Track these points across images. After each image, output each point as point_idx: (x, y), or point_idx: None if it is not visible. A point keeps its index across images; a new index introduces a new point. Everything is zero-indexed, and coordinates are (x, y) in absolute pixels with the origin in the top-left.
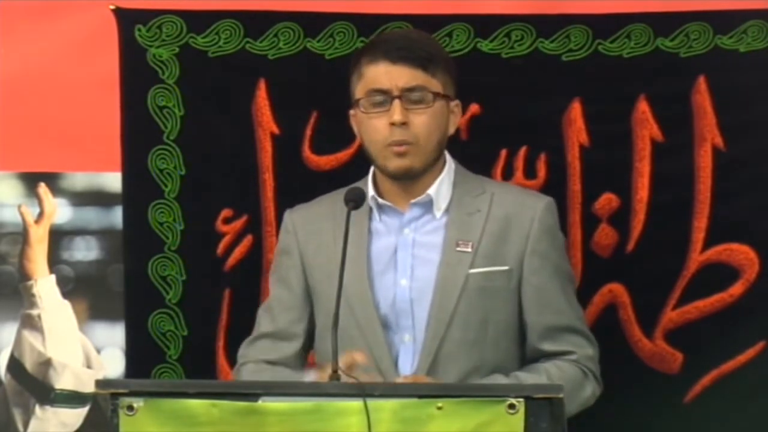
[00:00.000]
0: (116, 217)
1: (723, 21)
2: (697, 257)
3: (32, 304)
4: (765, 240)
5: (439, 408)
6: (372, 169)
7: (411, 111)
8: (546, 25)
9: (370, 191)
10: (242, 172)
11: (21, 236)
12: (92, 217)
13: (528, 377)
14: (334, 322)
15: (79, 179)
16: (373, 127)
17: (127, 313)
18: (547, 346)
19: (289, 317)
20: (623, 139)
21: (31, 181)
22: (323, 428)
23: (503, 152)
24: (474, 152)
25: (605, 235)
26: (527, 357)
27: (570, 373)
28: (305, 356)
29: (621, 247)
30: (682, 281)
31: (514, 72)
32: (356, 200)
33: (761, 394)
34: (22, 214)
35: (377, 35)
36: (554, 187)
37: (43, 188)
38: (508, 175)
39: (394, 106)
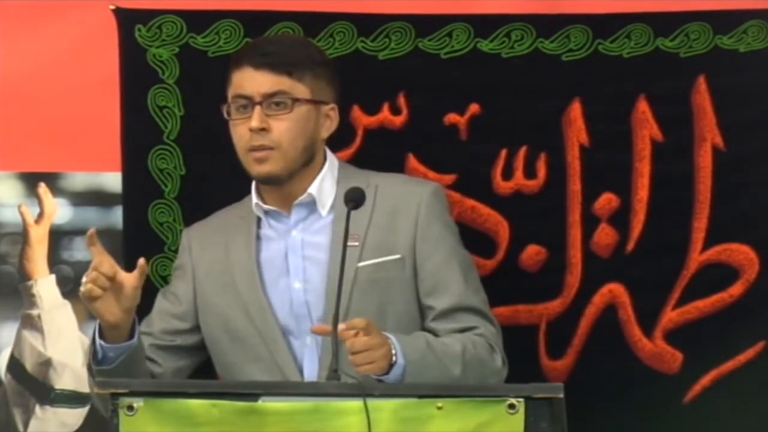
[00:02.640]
0: (116, 217)
1: (723, 21)
2: (697, 257)
3: (32, 304)
4: (765, 240)
5: (439, 408)
6: None
7: (272, 117)
8: (546, 25)
9: (254, 199)
10: (242, 172)
11: (21, 236)
12: (92, 217)
13: (446, 342)
14: (333, 323)
15: (79, 179)
16: (237, 133)
17: None
18: (448, 326)
19: (164, 326)
20: (623, 139)
21: (31, 181)
22: (323, 428)
23: (503, 152)
24: (474, 152)
25: (605, 235)
26: None
27: (480, 343)
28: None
29: (621, 247)
30: (682, 281)
31: (514, 72)
32: (356, 200)
33: (761, 394)
34: (22, 214)
35: (251, 41)
36: (554, 187)
37: (43, 188)
38: (508, 175)
39: (255, 112)
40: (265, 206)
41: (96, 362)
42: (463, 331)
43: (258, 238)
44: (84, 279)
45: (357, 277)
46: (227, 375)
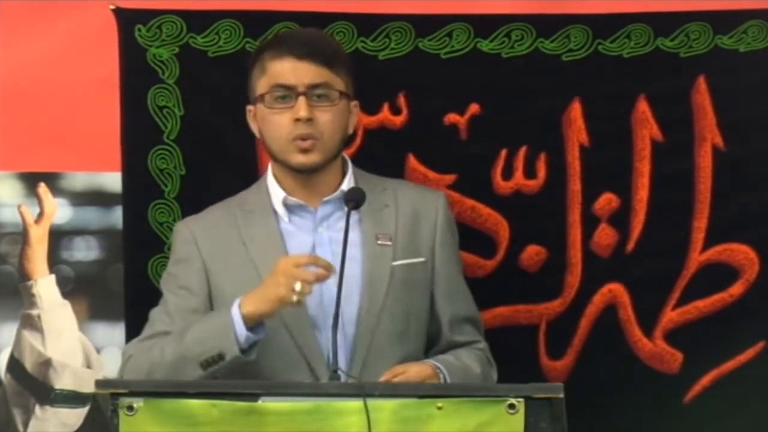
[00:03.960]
0: (116, 217)
1: (723, 21)
2: (697, 257)
3: (32, 304)
4: (765, 240)
5: (439, 408)
6: (270, 171)
7: (316, 108)
8: (546, 25)
9: (280, 193)
10: (242, 172)
11: (21, 236)
12: (92, 217)
13: (469, 366)
14: (334, 322)
15: (79, 179)
16: (277, 123)
17: (127, 313)
18: (458, 337)
19: (189, 321)
20: (623, 139)
21: (31, 181)
22: (323, 428)
23: (503, 152)
24: (474, 152)
25: (605, 235)
26: (438, 348)
27: (484, 360)
28: None
29: (621, 247)
30: (682, 281)
31: (514, 72)
32: (356, 200)
33: (761, 394)
34: (22, 214)
35: (278, 33)
36: (554, 187)
37: (43, 188)
38: (508, 175)
39: (300, 102)
40: (292, 199)
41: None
42: (465, 344)
43: (279, 232)
44: (298, 288)
45: (393, 276)
46: (245, 369)
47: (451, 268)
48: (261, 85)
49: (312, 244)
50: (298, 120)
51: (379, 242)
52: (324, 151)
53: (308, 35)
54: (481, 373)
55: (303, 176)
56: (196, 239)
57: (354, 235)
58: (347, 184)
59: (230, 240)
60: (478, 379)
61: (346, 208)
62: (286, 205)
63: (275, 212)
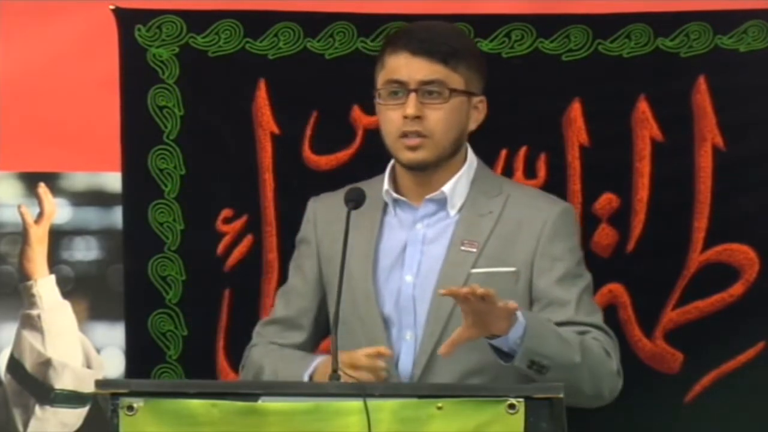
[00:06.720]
0: (116, 217)
1: (723, 21)
2: (697, 257)
3: (32, 304)
4: (765, 240)
5: (439, 408)
6: (392, 162)
7: (426, 105)
8: (546, 25)
9: (386, 185)
10: (242, 172)
11: (21, 236)
12: (92, 217)
13: (566, 330)
14: (334, 321)
15: (79, 179)
16: (388, 118)
17: (127, 313)
18: (563, 329)
19: (300, 305)
20: (623, 139)
21: (31, 181)
22: (323, 428)
23: (503, 152)
24: (474, 152)
25: (605, 235)
26: None
27: (595, 344)
28: (314, 346)
29: (621, 247)
30: (682, 281)
31: (514, 72)
32: (356, 200)
33: (761, 394)
34: (22, 214)
35: (406, 25)
36: (554, 187)
37: (43, 188)
38: (507, 175)
39: (409, 99)
40: (395, 195)
41: None
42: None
43: (381, 224)
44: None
45: (468, 282)
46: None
47: (549, 280)
48: (379, 79)
49: (404, 241)
50: (406, 117)
51: (463, 248)
52: (434, 149)
53: (428, 29)
54: (579, 342)
55: (414, 172)
56: (316, 221)
57: (446, 237)
58: (452, 185)
59: (342, 224)
60: (577, 345)
61: (450, 210)
62: (393, 199)
63: (385, 203)
